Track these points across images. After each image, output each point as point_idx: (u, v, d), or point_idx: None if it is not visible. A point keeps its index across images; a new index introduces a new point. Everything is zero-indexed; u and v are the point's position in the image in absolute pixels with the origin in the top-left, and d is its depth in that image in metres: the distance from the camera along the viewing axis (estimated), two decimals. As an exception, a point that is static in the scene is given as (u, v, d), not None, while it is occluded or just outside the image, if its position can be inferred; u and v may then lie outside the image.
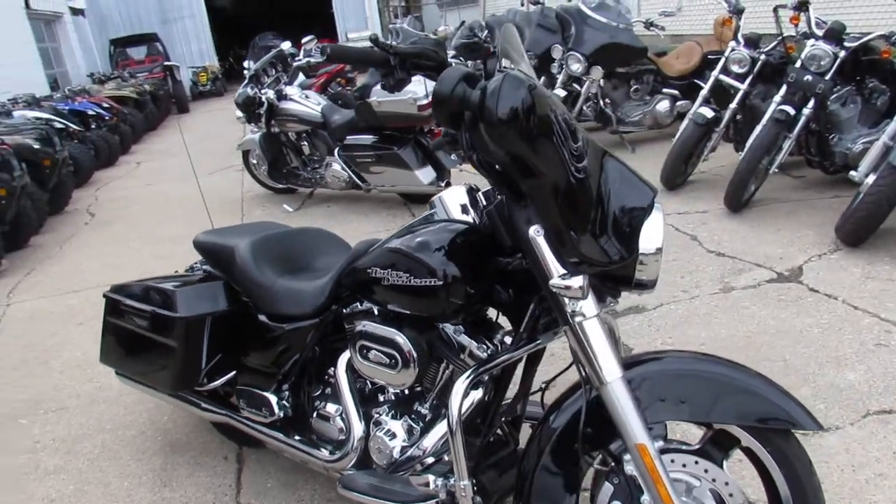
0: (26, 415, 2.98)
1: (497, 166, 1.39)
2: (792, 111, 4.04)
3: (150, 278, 2.39)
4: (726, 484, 1.45)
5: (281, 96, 5.63)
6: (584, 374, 1.45)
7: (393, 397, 1.88)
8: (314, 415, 2.05)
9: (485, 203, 1.63)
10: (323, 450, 1.98)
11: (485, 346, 1.69)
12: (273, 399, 2.08)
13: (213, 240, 2.29)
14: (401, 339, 1.69)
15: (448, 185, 4.97)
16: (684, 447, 1.50)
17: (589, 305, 1.41)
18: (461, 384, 1.50)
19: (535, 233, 1.41)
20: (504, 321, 1.76)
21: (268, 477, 2.35)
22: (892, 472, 1.99)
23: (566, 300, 1.40)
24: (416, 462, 1.75)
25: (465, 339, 1.71)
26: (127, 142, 11.02)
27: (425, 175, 5.01)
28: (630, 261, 1.39)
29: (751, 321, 2.92)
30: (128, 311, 2.25)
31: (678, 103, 6.32)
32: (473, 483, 1.53)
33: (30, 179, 5.80)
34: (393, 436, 1.80)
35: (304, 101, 5.62)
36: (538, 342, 1.62)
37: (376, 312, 1.82)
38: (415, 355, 1.68)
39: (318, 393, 2.08)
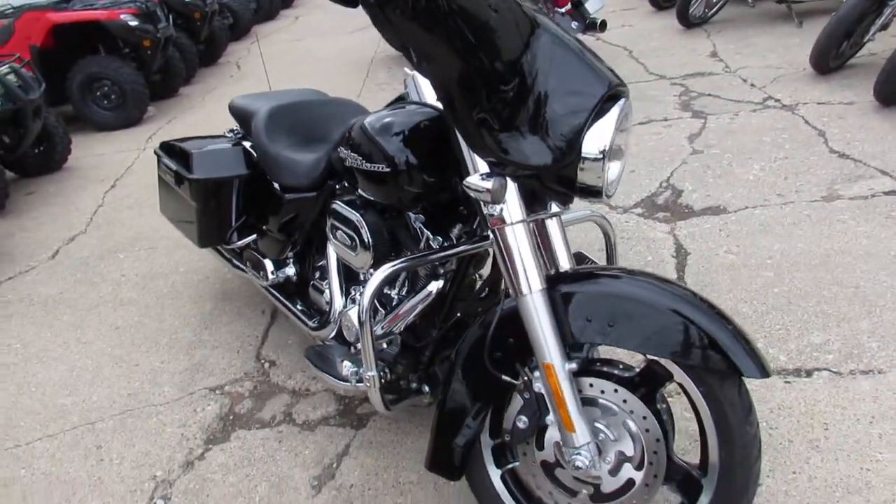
0: (124, 250, 3.36)
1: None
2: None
3: (195, 137, 2.50)
4: (644, 418, 1.32)
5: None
6: (504, 283, 1.35)
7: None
8: (311, 285, 2.11)
9: None
10: (312, 318, 2.06)
11: (440, 239, 1.62)
12: (269, 266, 2.16)
13: (243, 104, 2.33)
14: (359, 222, 1.66)
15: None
16: (611, 373, 1.37)
17: (514, 210, 1.29)
18: (379, 274, 1.47)
19: (462, 125, 1.28)
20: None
21: (290, 334, 2.50)
22: (919, 431, 1.71)
23: (487, 204, 1.28)
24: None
25: (422, 229, 1.64)
26: (291, -5, 11.32)
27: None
28: (568, 163, 1.22)
29: (840, 237, 2.53)
30: (165, 169, 2.39)
31: (868, -33, 5.28)
32: (381, 375, 1.52)
33: (180, 32, 6.19)
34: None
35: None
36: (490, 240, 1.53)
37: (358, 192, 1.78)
38: (370, 240, 1.64)
39: (318, 265, 2.13)
